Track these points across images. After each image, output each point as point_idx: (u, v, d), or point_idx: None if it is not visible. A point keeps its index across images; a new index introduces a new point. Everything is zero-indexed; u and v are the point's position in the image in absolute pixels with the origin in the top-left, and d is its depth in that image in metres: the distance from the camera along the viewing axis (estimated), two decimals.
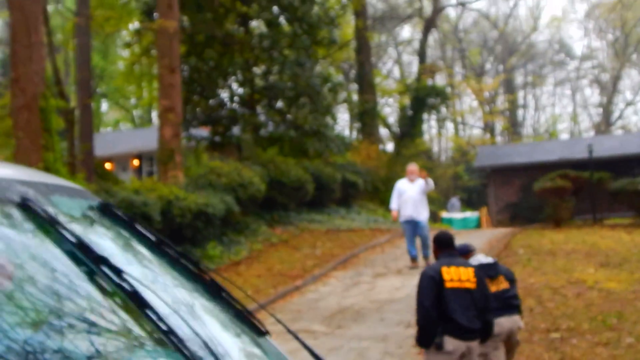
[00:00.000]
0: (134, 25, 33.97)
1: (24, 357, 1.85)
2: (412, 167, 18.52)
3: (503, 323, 8.21)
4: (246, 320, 2.75)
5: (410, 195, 17.87)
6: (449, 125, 70.68)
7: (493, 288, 8.17)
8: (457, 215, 41.35)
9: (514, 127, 71.59)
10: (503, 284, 8.42)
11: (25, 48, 17.98)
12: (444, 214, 41.79)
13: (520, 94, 75.38)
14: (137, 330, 2.22)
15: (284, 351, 2.69)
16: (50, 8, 37.00)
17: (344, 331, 12.93)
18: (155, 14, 27.08)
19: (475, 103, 70.74)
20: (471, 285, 7.38)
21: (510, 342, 8.53)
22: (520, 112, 76.12)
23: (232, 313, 2.72)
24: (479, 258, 8.65)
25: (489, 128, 70.14)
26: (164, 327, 2.23)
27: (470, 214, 41.10)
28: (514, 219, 39.55)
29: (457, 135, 68.69)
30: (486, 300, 7.51)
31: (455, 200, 47.17)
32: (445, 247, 7.80)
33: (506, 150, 47.58)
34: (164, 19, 22.73)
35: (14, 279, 2.17)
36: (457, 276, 7.37)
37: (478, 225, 38.30)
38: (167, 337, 2.21)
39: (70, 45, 37.53)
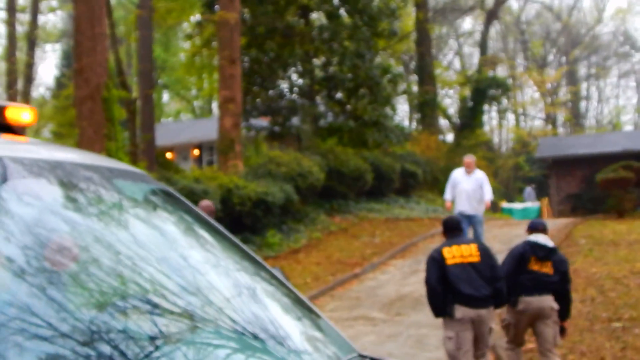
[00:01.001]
0: (195, 17, 34.25)
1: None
2: (469, 158, 17.13)
3: (530, 302, 8.57)
4: (306, 304, 2.77)
5: (464, 187, 16.70)
6: (510, 117, 70.07)
7: (535, 267, 8.61)
8: (518, 205, 40.97)
9: (576, 119, 70.69)
10: (547, 269, 8.63)
11: (89, 39, 18.25)
12: (504, 204, 41.44)
13: (584, 86, 74.40)
14: (200, 312, 2.25)
15: (345, 336, 2.71)
16: (113, 0, 37.40)
17: (403, 318, 12.95)
18: (216, 6, 27.26)
19: (537, 94, 69.99)
20: (474, 259, 8.20)
21: (544, 322, 8.62)
22: (583, 103, 75.16)
23: (292, 297, 2.75)
24: (539, 238, 8.83)
25: (550, 119, 69.28)
26: (227, 311, 2.27)
27: (531, 204, 40.65)
28: (575, 209, 39.06)
29: (518, 127, 68.03)
30: (492, 270, 8.23)
31: (530, 190, 46.23)
32: (450, 230, 8.63)
33: (568, 141, 46.94)
34: (225, 11, 22.90)
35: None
36: (459, 253, 8.22)
37: (539, 215, 37.85)
38: (230, 320, 2.25)
39: (132, 37, 37.91)
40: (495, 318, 8.36)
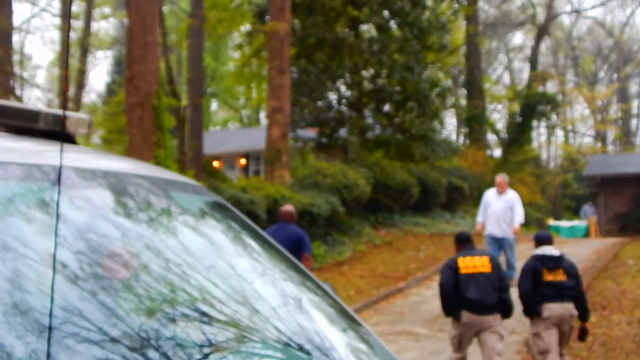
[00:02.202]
0: (246, 27, 34.42)
1: None
2: (501, 178, 16.52)
3: (554, 308, 9.10)
4: (352, 316, 2.78)
5: (494, 209, 16.14)
6: (559, 133, 69.43)
7: (549, 277, 9.19)
8: (565, 223, 40.46)
9: (626, 137, 69.82)
10: (560, 276, 9.20)
11: (141, 48, 18.43)
12: (551, 222, 40.98)
13: (634, 103, 73.49)
14: (247, 321, 2.27)
15: (391, 349, 2.71)
16: (165, 9, 37.75)
17: (446, 335, 12.86)
18: (267, 17, 27.41)
19: (586, 111, 69.27)
20: (486, 269, 9.03)
21: (563, 328, 9.21)
22: (633, 121, 74.21)
23: (338, 308, 2.76)
24: (545, 249, 9.41)
25: (600, 137, 68.57)
26: (273, 320, 2.30)
27: (578, 223, 40.15)
28: (624, 229, 38.62)
29: (567, 143, 67.40)
30: (501, 281, 9.06)
31: (587, 207, 44.97)
32: (463, 242, 9.55)
33: (618, 159, 46.41)
34: (276, 22, 23.00)
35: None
36: (472, 264, 9.07)
37: (586, 234, 37.46)
38: (276, 330, 2.27)
39: (183, 45, 38.22)
40: (502, 325, 9.19)
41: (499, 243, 16.16)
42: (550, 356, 9.19)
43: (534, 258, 9.38)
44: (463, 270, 9.03)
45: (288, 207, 11.86)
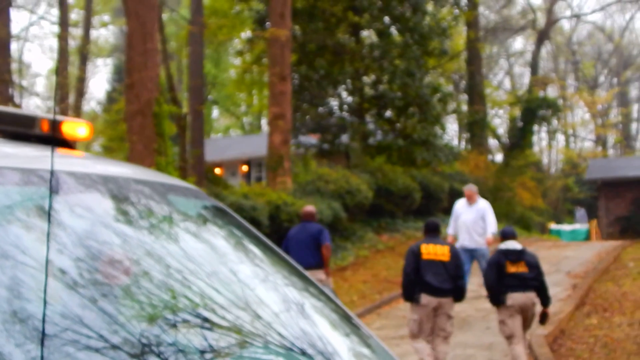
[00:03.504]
0: (246, 34, 34.44)
1: None
2: (469, 190, 15.95)
3: (517, 297, 9.86)
4: (354, 321, 2.76)
5: (464, 220, 15.58)
6: (560, 138, 69.45)
7: (512, 269, 9.90)
8: (566, 227, 40.50)
9: (627, 141, 69.89)
10: (522, 268, 9.93)
11: (141, 55, 18.41)
12: (553, 226, 41.04)
13: (635, 107, 73.52)
14: (249, 327, 2.25)
15: (394, 353, 2.68)
16: (165, 16, 37.77)
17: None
18: (267, 23, 27.39)
19: (587, 115, 69.29)
20: (445, 258, 9.93)
21: (526, 314, 10.01)
22: (634, 125, 74.23)
23: (341, 313, 2.74)
24: (509, 243, 10.14)
25: (601, 141, 68.59)
26: (276, 326, 2.27)
27: (579, 226, 40.22)
28: (625, 232, 38.58)
29: (567, 148, 67.44)
30: (457, 270, 10.02)
31: (577, 213, 45.22)
32: (429, 231, 10.38)
33: (618, 163, 46.43)
34: (276, 28, 22.97)
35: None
36: (434, 251, 9.95)
37: (587, 237, 37.49)
38: (278, 335, 2.25)
39: (183, 52, 38.29)
40: (454, 307, 10.17)
41: (471, 254, 15.57)
42: (515, 340, 9.90)
43: (498, 252, 10.12)
44: (425, 256, 9.91)
45: (308, 208, 12.90)
